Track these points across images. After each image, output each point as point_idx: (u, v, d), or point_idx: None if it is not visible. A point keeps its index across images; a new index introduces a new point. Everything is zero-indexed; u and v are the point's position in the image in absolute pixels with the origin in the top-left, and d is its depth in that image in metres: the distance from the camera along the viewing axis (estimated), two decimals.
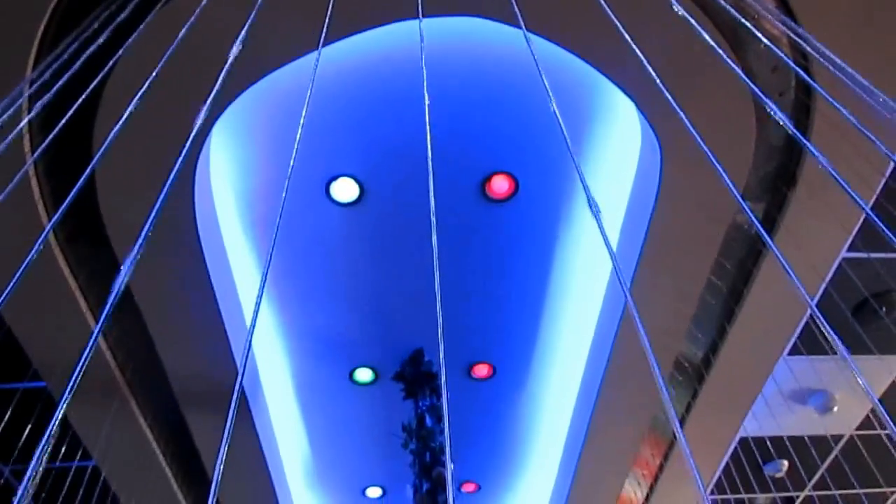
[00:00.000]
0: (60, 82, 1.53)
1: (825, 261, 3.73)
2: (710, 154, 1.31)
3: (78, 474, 4.74)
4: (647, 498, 5.23)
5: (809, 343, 4.51)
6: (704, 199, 3.34)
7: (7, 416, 4.26)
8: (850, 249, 3.95)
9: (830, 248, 3.61)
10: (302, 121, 1.48)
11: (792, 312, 4.01)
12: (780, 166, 3.29)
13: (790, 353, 4.61)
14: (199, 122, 1.37)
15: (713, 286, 3.80)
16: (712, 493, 5.88)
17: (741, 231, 3.60)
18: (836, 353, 4.47)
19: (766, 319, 3.93)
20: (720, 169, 1.30)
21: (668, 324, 3.85)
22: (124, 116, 1.31)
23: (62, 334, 3.51)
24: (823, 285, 4.10)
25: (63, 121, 1.45)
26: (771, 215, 3.41)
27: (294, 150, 1.42)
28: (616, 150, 3.64)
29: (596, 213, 1.35)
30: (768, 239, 1.22)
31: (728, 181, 1.25)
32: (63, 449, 4.31)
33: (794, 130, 1.14)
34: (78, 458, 4.45)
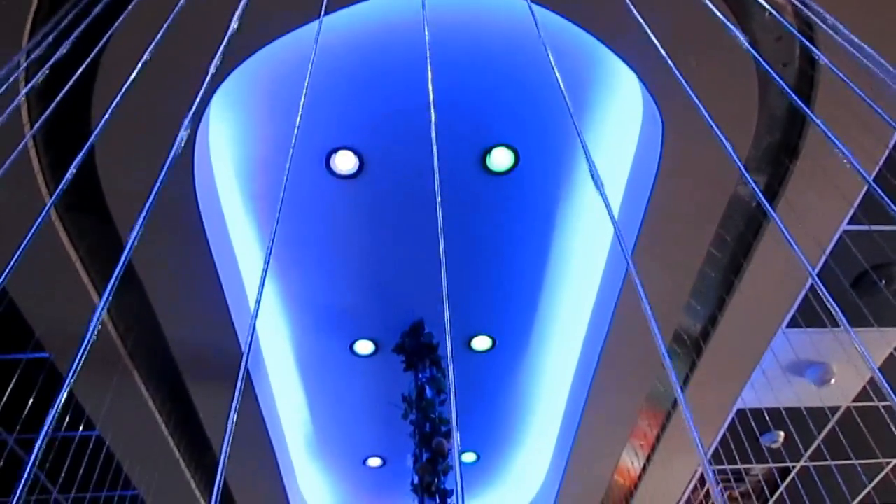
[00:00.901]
0: (59, 53, 1.51)
1: (826, 233, 3.73)
2: (710, 122, 1.31)
3: (82, 444, 4.80)
4: (644, 468, 5.30)
5: (808, 316, 4.53)
6: (706, 172, 3.33)
7: (10, 387, 4.29)
8: (851, 222, 3.95)
9: (831, 220, 3.61)
10: (305, 91, 1.46)
11: (791, 285, 4.03)
12: (783, 138, 3.28)
13: (788, 326, 4.63)
14: (200, 92, 1.36)
15: (713, 258, 3.80)
16: (709, 463, 5.95)
17: (742, 204, 3.59)
18: (834, 326, 4.50)
19: (765, 292, 3.95)
20: (722, 137, 1.29)
21: (668, 296, 3.86)
22: (123, 88, 1.29)
23: (64, 305, 3.53)
24: (824, 257, 4.11)
25: (62, 92, 1.43)
26: (772, 187, 3.41)
27: (297, 121, 1.41)
28: (617, 121, 3.61)
29: (597, 180, 1.35)
30: (768, 206, 1.21)
31: (729, 148, 1.24)
32: (67, 419, 4.36)
33: (795, 97, 1.13)
34: (81, 427, 4.51)
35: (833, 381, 4.97)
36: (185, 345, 3.92)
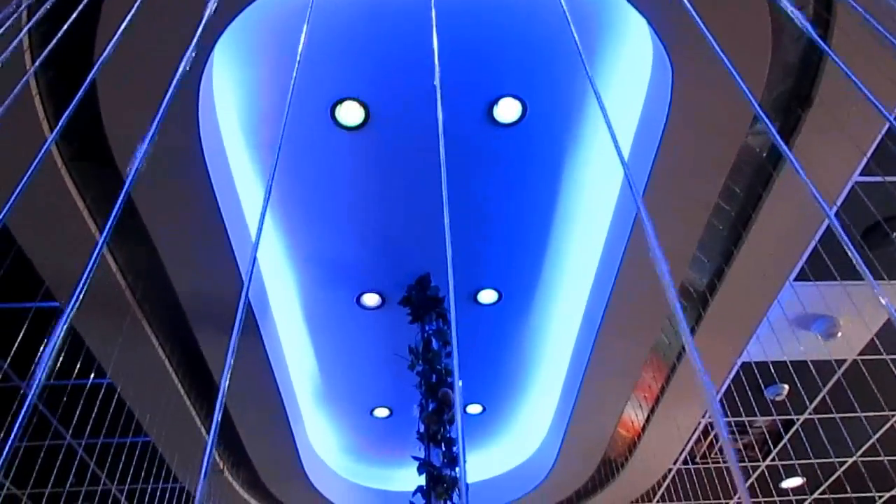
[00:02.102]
0: None
1: (837, 183, 3.68)
2: (723, 56, 1.26)
3: (93, 391, 4.89)
4: (648, 419, 5.35)
5: (816, 268, 4.50)
6: (716, 121, 3.27)
7: (22, 335, 4.36)
8: (863, 173, 3.89)
9: (843, 171, 3.56)
10: (303, 38, 1.42)
11: (800, 238, 3.99)
12: (795, 86, 3.20)
13: (796, 279, 4.61)
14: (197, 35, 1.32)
15: (721, 210, 3.77)
16: (720, 407, 6.01)
17: (752, 154, 3.54)
18: (843, 279, 4.48)
19: (773, 244, 3.92)
20: (736, 75, 1.25)
21: (675, 247, 3.83)
22: (121, 27, 1.26)
23: (73, 254, 3.55)
24: (834, 208, 4.06)
25: (62, 29, 1.40)
26: (783, 137, 3.34)
27: (295, 68, 1.38)
28: (626, 70, 3.54)
29: (608, 121, 1.31)
30: (784, 148, 1.18)
31: (744, 87, 1.20)
32: (78, 367, 4.43)
33: (813, 33, 1.09)
34: (92, 376, 4.58)
35: (840, 334, 4.96)
36: (193, 294, 3.95)
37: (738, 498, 7.30)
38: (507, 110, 3.67)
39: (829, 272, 4.51)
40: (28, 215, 3.36)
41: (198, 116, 3.20)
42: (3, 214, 1.59)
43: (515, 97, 3.62)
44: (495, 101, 3.64)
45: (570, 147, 3.92)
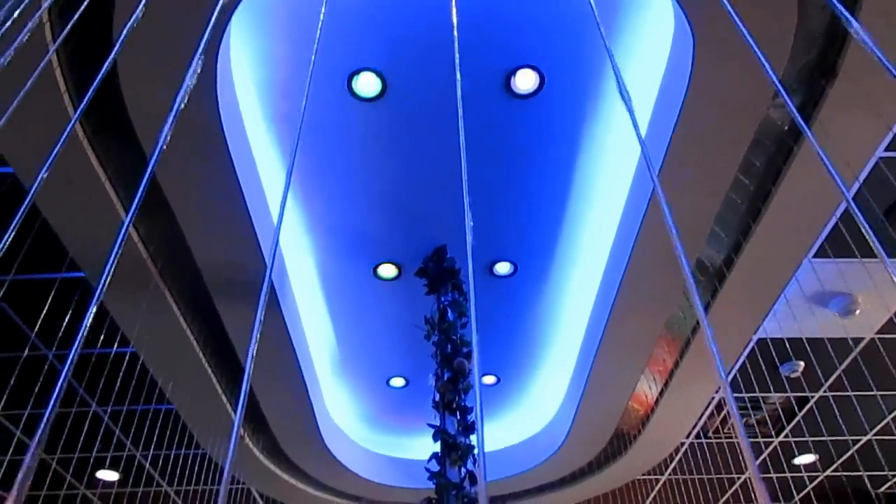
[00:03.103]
0: None
1: (860, 158, 3.63)
2: (746, 34, 1.26)
3: (117, 360, 5.01)
4: (661, 393, 5.38)
5: (836, 245, 4.47)
6: (736, 93, 3.23)
7: (48, 305, 4.46)
8: (888, 148, 3.84)
9: (867, 145, 3.50)
10: (323, 9, 1.44)
11: (819, 213, 3.95)
12: (820, 57, 3.15)
13: (815, 256, 4.58)
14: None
15: (740, 184, 3.74)
16: (730, 386, 6.02)
17: (773, 127, 3.49)
18: (864, 256, 4.43)
19: (792, 220, 3.88)
20: (756, 49, 1.25)
21: (693, 221, 3.82)
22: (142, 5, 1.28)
23: (95, 226, 3.61)
24: (857, 184, 4.02)
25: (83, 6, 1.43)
26: (806, 110, 3.30)
27: (317, 37, 1.39)
28: (647, 40, 3.50)
29: (625, 95, 1.32)
30: (803, 125, 1.18)
31: (764, 60, 1.20)
32: (102, 337, 4.54)
33: (837, 4, 1.08)
34: (116, 345, 4.69)
35: (858, 311, 4.94)
36: (213, 265, 4.01)
37: (750, 473, 7.34)
38: (525, 81, 3.66)
39: (849, 249, 4.48)
40: (52, 188, 3.42)
41: (216, 89, 3.22)
42: (31, 192, 1.63)
43: (533, 68, 3.60)
44: (513, 72, 3.62)
45: (589, 118, 3.90)
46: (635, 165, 4.07)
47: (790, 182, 3.62)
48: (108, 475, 6.88)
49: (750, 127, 3.40)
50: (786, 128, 3.48)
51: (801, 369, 5.62)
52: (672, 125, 3.43)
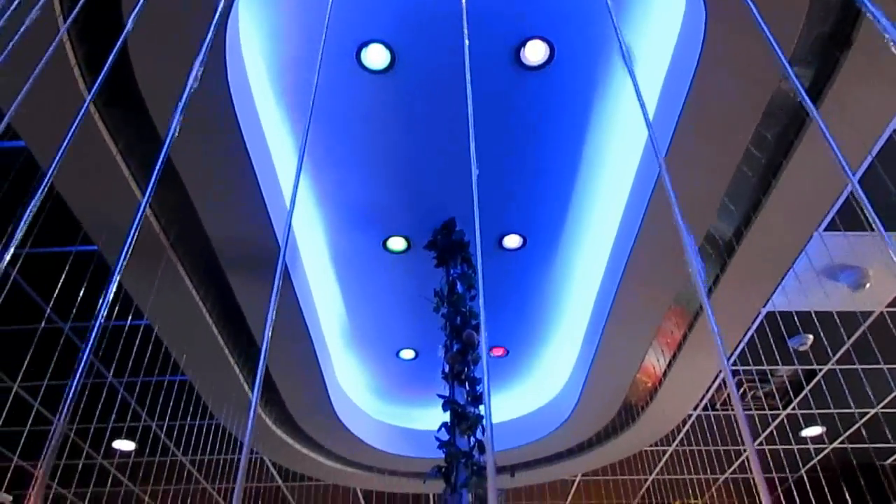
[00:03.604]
0: None
1: (874, 130, 3.59)
2: (754, 9, 1.26)
3: (132, 332, 5.09)
4: (670, 365, 5.41)
5: (847, 218, 4.45)
6: (749, 65, 3.20)
7: (63, 278, 4.52)
8: None
9: (881, 118, 3.46)
10: None
11: (831, 187, 3.92)
12: (835, 28, 3.11)
13: (826, 229, 4.57)
14: None
15: (751, 157, 3.72)
16: (734, 364, 6.06)
17: (786, 99, 3.46)
18: (873, 230, 4.42)
19: (803, 193, 3.86)
20: (762, 23, 1.24)
21: (703, 194, 3.81)
22: None
23: (108, 199, 3.65)
24: (870, 158, 3.99)
25: None
26: (819, 82, 3.27)
27: (327, 15, 1.40)
28: (659, 11, 3.46)
29: (630, 70, 1.32)
30: (810, 104, 1.18)
31: (768, 34, 1.20)
32: (117, 309, 4.61)
33: None
34: (130, 317, 4.76)
35: (868, 285, 4.93)
36: (224, 238, 4.05)
37: (759, 445, 7.41)
38: (535, 53, 3.63)
39: (860, 222, 4.46)
40: (64, 162, 3.45)
41: (225, 61, 3.23)
42: (50, 172, 1.66)
43: (543, 39, 3.58)
44: (522, 44, 3.60)
45: (599, 91, 3.88)
46: (646, 138, 4.05)
47: (802, 155, 3.60)
48: (124, 445, 7.03)
49: (762, 99, 3.37)
50: (798, 100, 3.45)
51: (809, 342, 5.63)
52: (683, 98, 3.40)
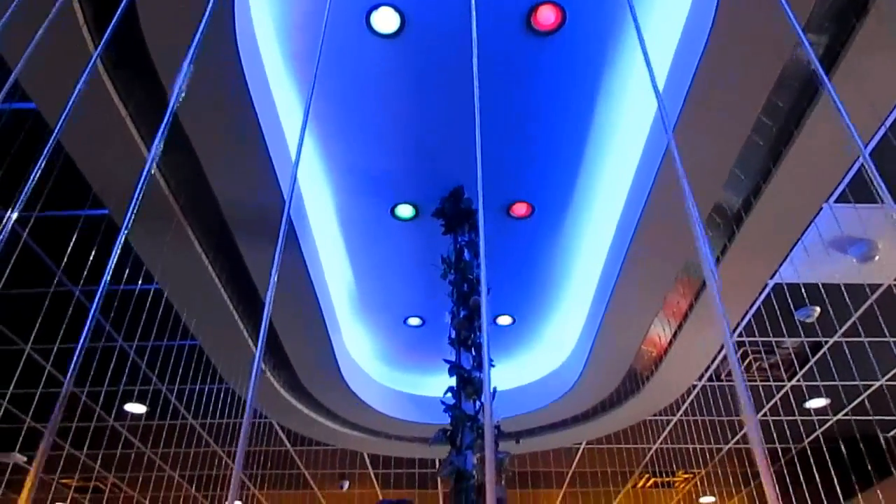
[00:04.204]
0: None
1: (888, 100, 3.55)
2: None
3: (142, 296, 5.14)
4: (675, 335, 5.44)
5: (858, 190, 4.42)
6: (763, 31, 3.16)
7: (73, 242, 4.57)
8: None
9: (895, 87, 3.42)
10: None
11: (843, 157, 3.89)
12: None
13: (836, 201, 4.54)
14: None
15: (762, 126, 3.69)
16: (740, 335, 6.08)
17: (799, 67, 3.42)
18: (885, 202, 4.39)
19: (814, 164, 3.83)
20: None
21: (712, 164, 3.79)
22: None
23: (118, 162, 3.67)
24: (883, 129, 3.95)
25: None
26: (834, 49, 3.22)
27: None
28: None
29: (640, 36, 1.31)
30: (822, 72, 1.17)
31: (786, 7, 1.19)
32: (126, 273, 4.66)
33: None
34: (140, 281, 4.81)
35: (877, 257, 4.91)
36: (233, 202, 4.07)
37: (762, 416, 7.46)
38: (546, 17, 3.59)
39: (871, 194, 4.43)
40: (74, 125, 3.46)
41: (234, 25, 3.21)
42: (57, 128, 1.67)
43: (555, 3, 3.53)
44: (534, 8, 3.55)
45: (610, 57, 3.84)
46: (656, 106, 4.02)
47: (813, 124, 3.56)
48: (135, 408, 7.16)
49: (775, 67, 3.33)
50: (812, 68, 3.41)
51: (816, 314, 5.63)
52: (695, 65, 3.37)
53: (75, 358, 1.39)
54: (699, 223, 1.49)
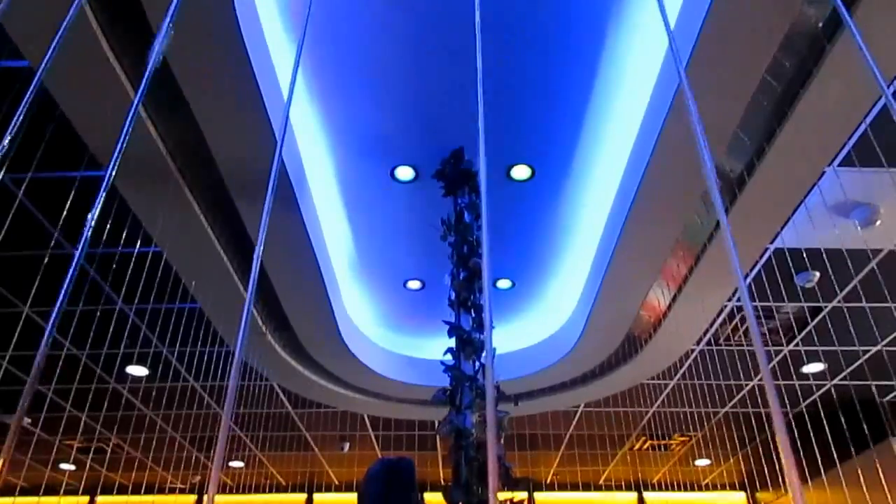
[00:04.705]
0: None
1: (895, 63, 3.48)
2: None
3: (142, 260, 5.13)
4: (675, 298, 5.44)
5: (862, 154, 4.37)
6: None
7: (69, 203, 4.53)
8: None
9: None
10: None
11: (848, 119, 3.84)
12: None
13: (840, 164, 4.50)
14: None
15: (768, 86, 3.63)
16: (738, 300, 6.08)
17: (807, 25, 3.35)
18: (889, 166, 4.34)
19: (819, 125, 3.78)
20: None
21: (715, 125, 3.74)
22: None
23: (113, 122, 3.61)
24: (891, 89, 3.88)
25: None
26: (844, 2, 3.14)
27: None
28: None
29: None
30: (845, 13, 1.13)
31: None
32: (124, 234, 4.64)
33: None
34: (139, 244, 4.80)
35: (879, 222, 4.88)
36: (231, 162, 4.03)
37: (758, 380, 7.52)
38: None
39: (877, 157, 4.38)
40: (69, 83, 3.41)
41: None
42: (40, 69, 1.63)
43: None
44: None
45: (615, 11, 3.76)
46: (659, 66, 3.95)
47: (819, 84, 3.50)
48: (136, 370, 7.21)
49: (783, 24, 3.26)
50: (820, 24, 3.33)
51: (816, 279, 5.63)
52: (700, 22, 3.30)
53: (53, 316, 1.37)
54: (711, 170, 1.46)
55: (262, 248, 1.79)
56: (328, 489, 12.05)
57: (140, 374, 7.30)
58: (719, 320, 6.36)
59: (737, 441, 9.76)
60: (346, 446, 9.90)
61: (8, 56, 3.47)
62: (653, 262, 5.08)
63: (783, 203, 4.43)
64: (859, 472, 7.59)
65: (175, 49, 3.33)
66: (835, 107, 3.64)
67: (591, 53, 3.98)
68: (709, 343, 6.83)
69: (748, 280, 5.69)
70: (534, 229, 5.39)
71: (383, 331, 6.88)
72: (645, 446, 10.22)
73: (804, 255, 5.33)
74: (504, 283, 6.07)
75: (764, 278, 5.67)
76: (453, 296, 3.76)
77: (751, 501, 11.61)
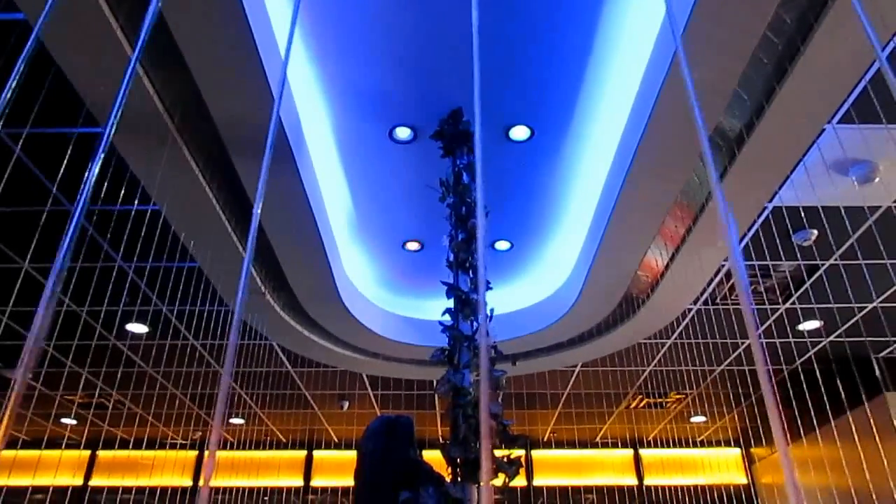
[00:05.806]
0: None
1: None
2: None
3: (140, 217, 5.13)
4: (673, 258, 5.47)
5: (862, 110, 4.35)
6: None
7: (66, 160, 4.51)
8: None
9: None
10: None
11: (848, 76, 3.80)
12: None
13: (840, 122, 4.47)
14: None
15: (768, 43, 3.58)
16: (741, 252, 6.11)
17: None
18: (888, 122, 4.31)
19: (819, 82, 3.74)
20: None
21: (715, 82, 3.70)
22: None
23: (109, 77, 3.57)
24: (889, 47, 3.84)
25: None
26: None
27: None
28: None
29: None
30: None
31: None
32: (122, 192, 4.63)
33: None
34: (136, 202, 4.79)
35: (877, 179, 4.88)
36: (229, 120, 3.99)
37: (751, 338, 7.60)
38: None
39: (876, 114, 4.35)
40: (65, 38, 3.36)
41: None
42: (37, 25, 1.61)
43: None
44: None
45: None
46: (659, 24, 3.90)
47: (820, 40, 3.45)
48: (136, 328, 7.27)
49: None
50: None
51: (813, 237, 5.64)
52: None
53: (53, 276, 1.39)
54: (704, 135, 1.46)
55: (260, 207, 1.80)
56: (328, 446, 12.28)
57: (140, 332, 7.36)
58: (717, 280, 6.40)
59: (732, 398, 9.91)
60: (346, 405, 10.05)
61: (3, 9, 3.41)
62: (651, 221, 5.08)
63: (782, 161, 4.42)
64: (853, 426, 7.73)
65: (171, 4, 3.28)
66: (834, 62, 3.60)
67: (590, 11, 3.92)
68: (706, 303, 6.88)
69: (745, 239, 5.71)
70: (532, 190, 5.38)
71: (382, 291, 6.92)
72: (641, 404, 10.38)
73: (802, 213, 5.34)
74: (503, 245, 6.09)
75: (761, 237, 5.68)
76: (451, 257, 3.77)
77: (745, 457, 11.86)
